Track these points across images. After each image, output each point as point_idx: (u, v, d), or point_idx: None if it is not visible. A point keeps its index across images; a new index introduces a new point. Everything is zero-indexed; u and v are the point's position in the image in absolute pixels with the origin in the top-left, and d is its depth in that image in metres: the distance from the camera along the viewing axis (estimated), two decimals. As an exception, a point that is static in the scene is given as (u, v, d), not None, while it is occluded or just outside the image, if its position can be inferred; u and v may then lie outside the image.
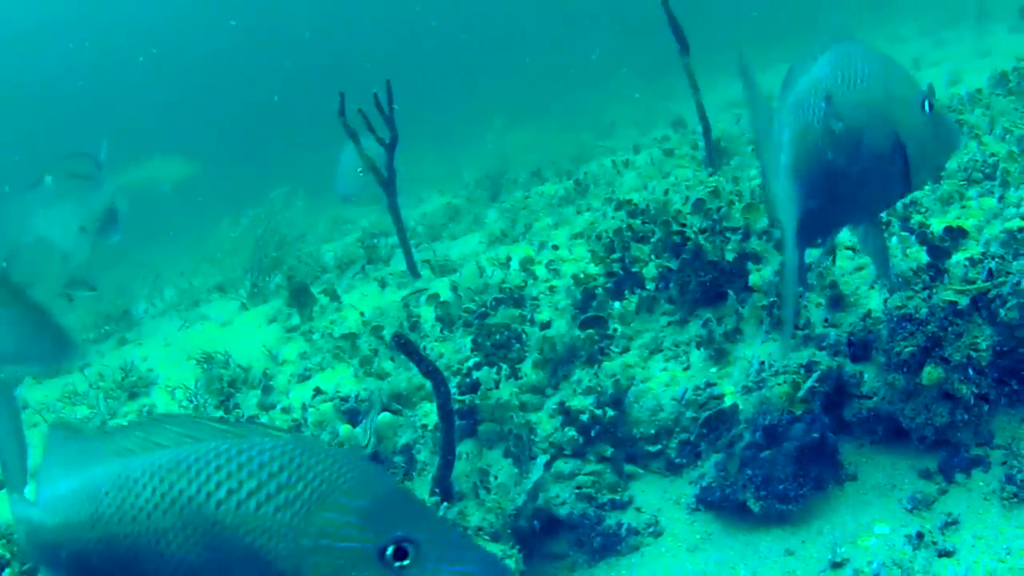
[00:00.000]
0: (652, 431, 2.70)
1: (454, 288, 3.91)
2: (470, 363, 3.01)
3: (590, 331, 2.90)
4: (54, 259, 4.37)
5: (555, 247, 4.45)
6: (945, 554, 2.23)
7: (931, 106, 2.05)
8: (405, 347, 2.31)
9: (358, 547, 1.37)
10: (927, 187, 3.23)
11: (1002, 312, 2.35)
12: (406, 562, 1.36)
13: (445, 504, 2.39)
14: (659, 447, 2.69)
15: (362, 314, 4.47)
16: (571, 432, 2.64)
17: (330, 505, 1.40)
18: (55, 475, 1.64)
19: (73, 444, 1.65)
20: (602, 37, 15.64)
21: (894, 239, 2.92)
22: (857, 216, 2.23)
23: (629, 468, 2.71)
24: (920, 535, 2.26)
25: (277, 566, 1.40)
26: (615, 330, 2.99)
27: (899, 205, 3.07)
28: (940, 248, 2.51)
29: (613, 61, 12.41)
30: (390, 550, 1.36)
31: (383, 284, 5.25)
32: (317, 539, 1.39)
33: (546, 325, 3.26)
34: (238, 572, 1.44)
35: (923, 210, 3.01)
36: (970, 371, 2.36)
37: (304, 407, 3.42)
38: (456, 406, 2.76)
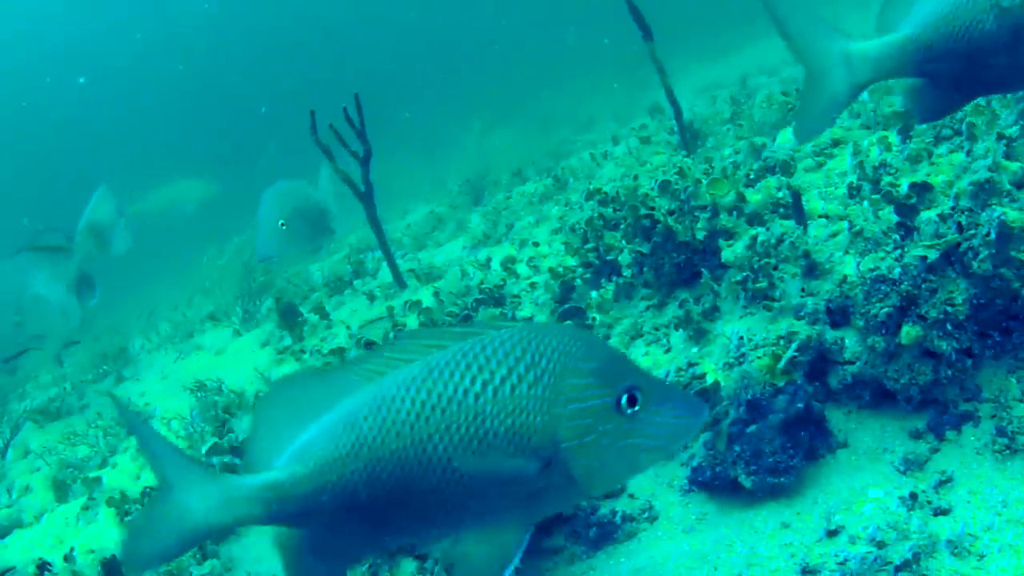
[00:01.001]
0: (639, 417, 2.67)
1: (436, 294, 3.90)
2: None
3: (568, 323, 2.89)
4: (57, 317, 4.38)
5: (535, 244, 4.44)
6: (941, 512, 2.20)
7: None
8: (378, 354, 2.30)
9: (599, 403, 1.57)
10: (895, 148, 3.22)
11: (975, 264, 2.33)
12: (637, 408, 1.57)
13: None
14: (647, 432, 2.67)
15: (348, 327, 4.47)
16: (557, 425, 2.62)
17: (571, 372, 1.57)
18: (290, 427, 1.66)
19: (305, 391, 1.69)
20: (578, 26, 15.62)
21: (865, 203, 2.90)
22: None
23: (619, 455, 2.69)
24: (914, 496, 2.23)
25: (535, 439, 1.55)
26: (594, 319, 2.97)
27: (869, 168, 3.06)
28: (907, 205, 2.49)
29: (591, 46, 12.37)
30: (624, 399, 1.57)
31: (371, 297, 5.24)
32: (567, 405, 1.56)
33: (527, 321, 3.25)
34: (499, 458, 1.55)
35: (892, 171, 2.99)
36: (948, 326, 2.33)
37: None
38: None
